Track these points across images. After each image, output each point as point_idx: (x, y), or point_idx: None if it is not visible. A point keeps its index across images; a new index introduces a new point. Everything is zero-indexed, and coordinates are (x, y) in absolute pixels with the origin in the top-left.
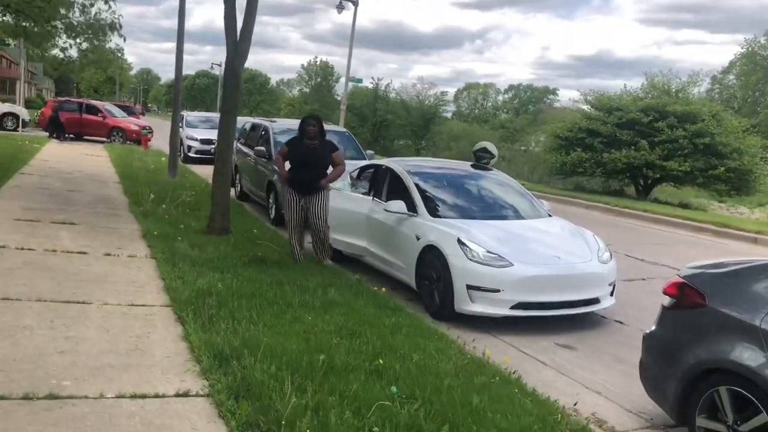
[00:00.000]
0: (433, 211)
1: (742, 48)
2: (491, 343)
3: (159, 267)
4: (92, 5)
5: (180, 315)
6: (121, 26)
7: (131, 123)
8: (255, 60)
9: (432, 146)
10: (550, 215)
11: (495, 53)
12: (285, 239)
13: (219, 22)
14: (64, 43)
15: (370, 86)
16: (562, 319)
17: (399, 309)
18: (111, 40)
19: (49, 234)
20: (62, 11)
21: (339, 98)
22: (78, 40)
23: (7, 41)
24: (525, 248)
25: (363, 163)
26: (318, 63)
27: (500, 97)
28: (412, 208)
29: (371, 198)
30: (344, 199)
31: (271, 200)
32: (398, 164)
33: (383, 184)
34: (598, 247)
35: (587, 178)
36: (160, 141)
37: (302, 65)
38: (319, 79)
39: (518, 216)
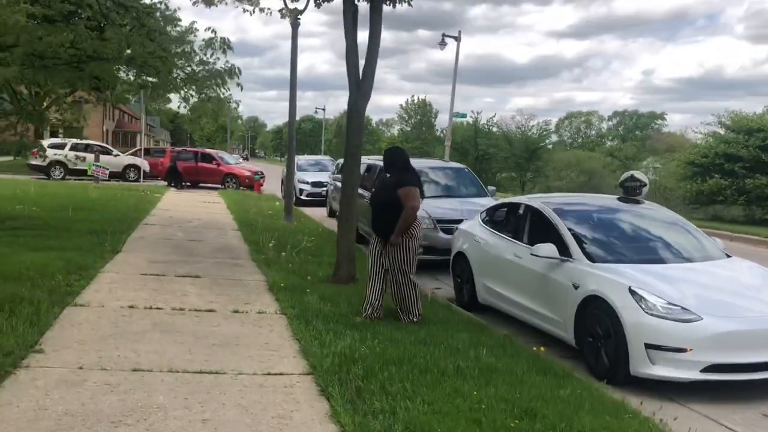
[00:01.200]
0: (591, 255)
1: None
2: (681, 414)
3: (291, 325)
4: (212, 55)
5: (323, 387)
6: (240, 73)
7: (244, 169)
8: (323, 104)
9: (540, 177)
10: (728, 255)
11: (594, 80)
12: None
13: (320, 68)
14: (184, 93)
15: (470, 121)
16: None
17: (568, 375)
18: (229, 89)
19: (175, 289)
20: (182, 62)
21: (439, 134)
22: (198, 89)
23: (129, 97)
24: (711, 297)
25: (486, 200)
26: (416, 101)
27: (604, 125)
28: (564, 251)
29: (511, 240)
30: (477, 240)
31: None
32: (540, 202)
33: (524, 225)
34: None
35: (727, 207)
36: (272, 185)
37: (401, 105)
38: (418, 117)
39: (691, 257)
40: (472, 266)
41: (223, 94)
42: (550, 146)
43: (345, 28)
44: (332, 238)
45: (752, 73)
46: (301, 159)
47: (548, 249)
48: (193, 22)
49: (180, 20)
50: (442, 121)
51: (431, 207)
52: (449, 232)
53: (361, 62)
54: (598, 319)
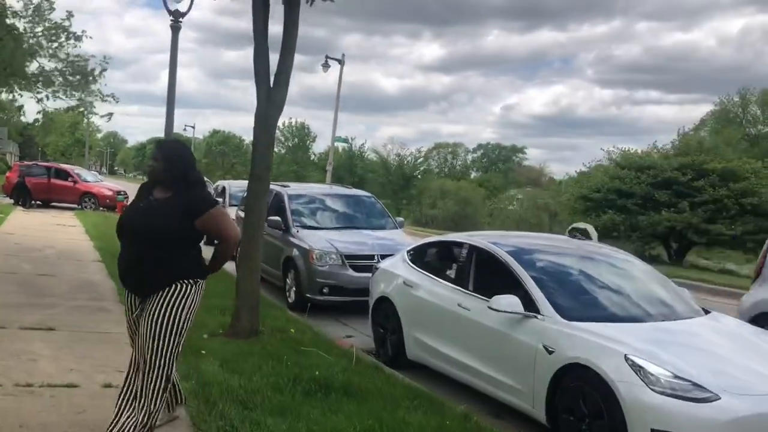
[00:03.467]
0: (563, 311)
1: (715, 105)
2: None
3: (189, 411)
4: (61, 45)
5: None
6: (106, 64)
7: (104, 188)
8: (222, 122)
9: (416, 204)
10: (706, 311)
11: (459, 114)
12: (327, 337)
13: (187, 85)
14: (40, 93)
15: (346, 146)
16: None
17: None
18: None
19: (20, 351)
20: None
21: (313, 159)
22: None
23: None
24: (720, 368)
25: (397, 233)
26: (294, 124)
27: (469, 156)
28: (529, 305)
29: (452, 286)
30: (407, 284)
31: (288, 281)
32: (487, 242)
33: (468, 268)
34: None
35: (620, 242)
36: None
37: (278, 127)
38: (295, 140)
39: (673, 314)
40: (401, 315)
41: (89, 99)
42: (418, 175)
43: (254, 23)
44: (220, 274)
45: (601, 113)
46: None
47: (510, 302)
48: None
49: None
50: (318, 146)
51: (336, 240)
52: (359, 269)
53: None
54: (581, 394)
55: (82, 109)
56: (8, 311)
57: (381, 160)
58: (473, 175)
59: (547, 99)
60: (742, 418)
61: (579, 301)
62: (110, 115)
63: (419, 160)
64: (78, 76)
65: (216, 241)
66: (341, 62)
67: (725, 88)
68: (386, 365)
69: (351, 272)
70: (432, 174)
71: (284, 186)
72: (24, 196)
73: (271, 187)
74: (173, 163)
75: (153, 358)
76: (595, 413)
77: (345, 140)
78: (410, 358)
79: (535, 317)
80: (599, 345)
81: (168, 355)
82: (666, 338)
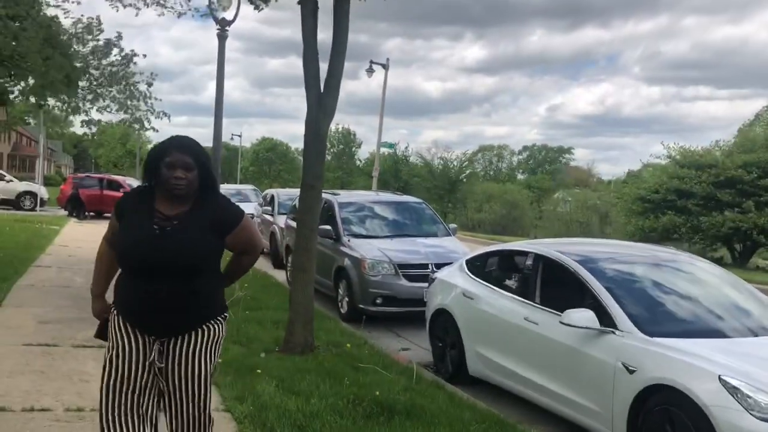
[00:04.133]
0: (643, 326)
1: None
2: None
3: None
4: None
5: None
6: (153, 79)
7: None
8: (266, 130)
9: (461, 208)
10: None
11: (502, 115)
12: (385, 352)
13: (232, 95)
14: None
15: (390, 151)
16: None
17: None
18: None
19: (71, 370)
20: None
21: (359, 165)
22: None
23: (27, 119)
24: None
25: (450, 240)
26: (340, 130)
27: (514, 158)
28: (605, 319)
29: (517, 299)
30: (467, 296)
31: (341, 291)
32: (555, 251)
33: (535, 280)
34: None
35: (679, 244)
36: None
37: None
38: (341, 146)
39: (766, 328)
40: (461, 329)
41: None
42: (463, 179)
43: (303, 26)
44: (270, 284)
45: (648, 111)
46: (221, 187)
47: (584, 316)
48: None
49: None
50: (362, 152)
51: (388, 249)
52: (412, 278)
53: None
54: (668, 418)
55: (136, 125)
56: (61, 327)
57: (426, 165)
58: (519, 177)
59: (592, 98)
60: None
61: (659, 314)
62: (156, 130)
63: (464, 164)
64: (125, 94)
65: (238, 254)
66: (386, 66)
67: None
68: (446, 381)
69: (404, 282)
70: (477, 177)
71: (334, 194)
72: (77, 207)
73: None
74: (208, 170)
75: (200, 416)
76: None
77: (391, 145)
78: (472, 373)
79: (613, 333)
80: (688, 364)
81: (209, 407)
82: (759, 355)
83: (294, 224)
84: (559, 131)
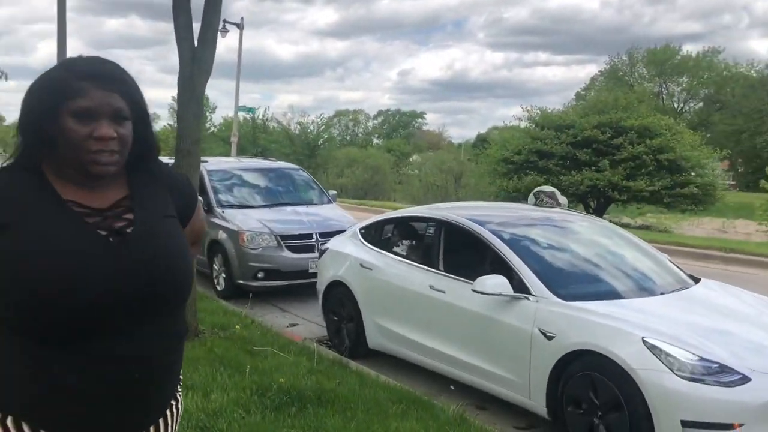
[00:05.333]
0: (558, 289)
1: (606, 65)
2: None
3: None
4: None
5: None
6: None
7: None
8: None
9: (322, 174)
10: (695, 278)
11: (355, 80)
12: (276, 331)
13: (69, 56)
14: None
15: (246, 116)
16: None
17: None
18: None
19: None
20: None
21: (211, 130)
22: None
23: None
24: (740, 344)
25: (330, 208)
26: None
27: (370, 123)
28: (518, 286)
29: (421, 267)
30: (365, 266)
31: (216, 266)
32: (457, 215)
33: (437, 247)
34: None
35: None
36: None
37: (173, 97)
38: (176, 107)
39: (672, 285)
40: (359, 301)
41: None
42: (321, 144)
43: None
44: None
45: (493, 76)
46: None
47: (498, 283)
48: None
49: None
50: (216, 117)
51: (267, 219)
52: (295, 250)
53: (195, 26)
54: (591, 384)
55: None
56: None
57: (284, 130)
58: (375, 141)
59: (441, 63)
60: None
61: (570, 277)
62: None
63: (322, 129)
64: None
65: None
66: (240, 26)
67: (607, 49)
68: (343, 356)
69: (287, 254)
70: (334, 142)
71: (202, 161)
72: None
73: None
74: (148, 119)
75: None
76: (609, 405)
77: (250, 110)
78: (371, 347)
79: (527, 298)
80: (610, 327)
81: None
82: (675, 314)
83: None
84: (411, 96)
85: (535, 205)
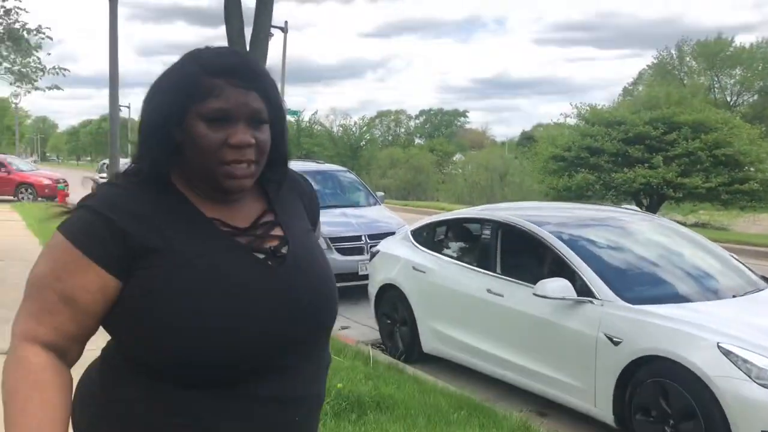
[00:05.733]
0: (624, 292)
1: (654, 59)
2: None
3: None
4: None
5: None
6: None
7: (42, 176)
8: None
9: (365, 175)
10: (767, 280)
11: (397, 80)
12: (339, 338)
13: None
14: None
15: (292, 119)
16: None
17: None
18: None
19: None
20: None
21: None
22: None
23: None
24: None
25: (377, 209)
26: None
27: (411, 123)
28: (582, 289)
29: (477, 270)
30: (418, 269)
31: None
32: (515, 216)
33: (494, 249)
34: None
35: (595, 202)
36: (78, 195)
37: None
38: None
39: (743, 288)
40: (413, 305)
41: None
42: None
43: None
44: None
45: (536, 73)
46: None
47: (561, 286)
48: None
49: None
50: None
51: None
52: (345, 252)
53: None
54: (663, 390)
55: (21, 85)
56: None
57: (327, 132)
58: (417, 141)
59: (484, 61)
60: None
61: (635, 280)
62: (58, 89)
63: (364, 130)
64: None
65: None
66: (284, 30)
67: (655, 43)
68: (398, 359)
69: (337, 256)
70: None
71: None
72: None
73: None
74: (284, 123)
75: None
76: (682, 413)
77: (295, 113)
78: (426, 351)
79: (591, 302)
80: (681, 332)
81: None
82: (750, 318)
83: None
84: (453, 95)
85: None
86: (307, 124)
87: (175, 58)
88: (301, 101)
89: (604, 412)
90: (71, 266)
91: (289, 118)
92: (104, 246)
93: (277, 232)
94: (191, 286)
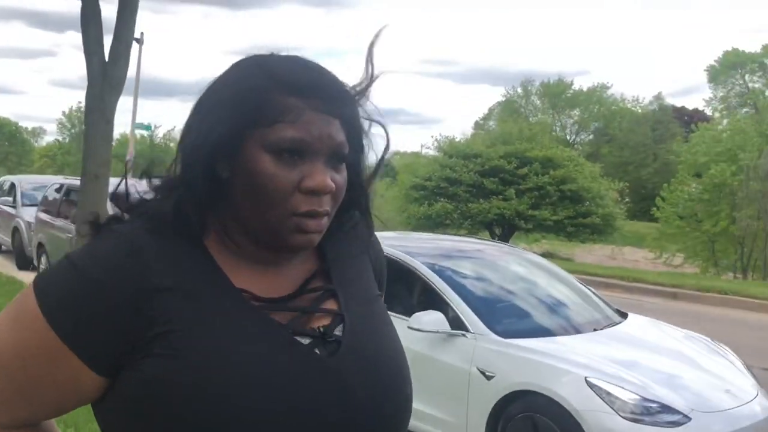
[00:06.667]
0: (496, 326)
1: (503, 96)
2: None
3: None
4: None
5: None
6: None
7: None
8: None
9: None
10: (622, 313)
11: None
12: None
13: None
14: None
15: (144, 134)
16: None
17: None
18: None
19: None
20: None
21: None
22: None
23: None
24: (677, 382)
25: None
26: (82, 108)
27: None
28: (455, 322)
29: None
30: None
31: None
32: (388, 247)
33: None
34: (747, 368)
35: (453, 231)
36: None
37: (63, 112)
38: (84, 126)
39: (603, 321)
40: None
41: None
42: None
43: None
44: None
45: (393, 103)
46: None
47: (435, 320)
48: None
49: None
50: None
51: None
52: None
53: (107, 39)
54: (533, 424)
55: None
56: None
57: None
58: None
59: None
60: None
61: (505, 312)
62: None
63: None
64: None
65: None
66: (140, 41)
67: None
68: None
69: None
70: None
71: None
72: None
73: (72, 182)
74: (363, 160)
75: None
76: None
77: (147, 127)
78: None
79: (464, 336)
80: (551, 367)
81: None
82: (611, 352)
83: (47, 218)
84: None
85: None
86: (162, 141)
87: (10, 61)
88: (154, 117)
89: None
90: (41, 351)
91: (143, 132)
92: (94, 332)
93: (331, 305)
94: (202, 385)
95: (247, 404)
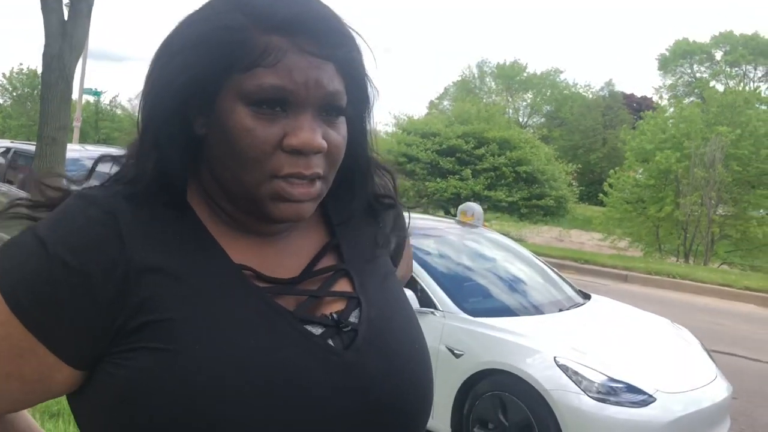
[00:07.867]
0: (465, 304)
1: (459, 76)
2: None
3: None
4: None
5: None
6: None
7: None
8: None
9: None
10: (585, 294)
11: None
12: None
13: None
14: None
15: (92, 99)
16: None
17: None
18: None
19: None
20: None
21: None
22: None
23: None
24: (642, 363)
25: None
26: (27, 71)
27: None
28: (424, 299)
29: None
30: None
31: None
32: None
33: None
34: (705, 350)
35: (407, 209)
36: None
37: (3, 73)
38: (27, 90)
39: (569, 301)
40: None
41: None
42: None
43: None
44: None
45: None
46: None
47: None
48: None
49: None
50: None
51: None
52: None
53: None
54: (501, 403)
55: None
56: None
57: (129, 117)
58: None
59: None
60: (681, 419)
61: (474, 292)
62: None
63: None
64: None
65: None
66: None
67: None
68: None
69: None
70: None
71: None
72: None
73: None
74: (369, 115)
75: None
76: (519, 426)
77: (96, 93)
78: None
79: (432, 313)
80: (519, 346)
81: None
82: (578, 332)
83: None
84: None
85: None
86: (108, 107)
87: None
88: (103, 82)
89: (441, 426)
90: (3, 342)
91: (89, 98)
92: (65, 320)
93: (343, 285)
94: (197, 385)
95: (246, 406)
